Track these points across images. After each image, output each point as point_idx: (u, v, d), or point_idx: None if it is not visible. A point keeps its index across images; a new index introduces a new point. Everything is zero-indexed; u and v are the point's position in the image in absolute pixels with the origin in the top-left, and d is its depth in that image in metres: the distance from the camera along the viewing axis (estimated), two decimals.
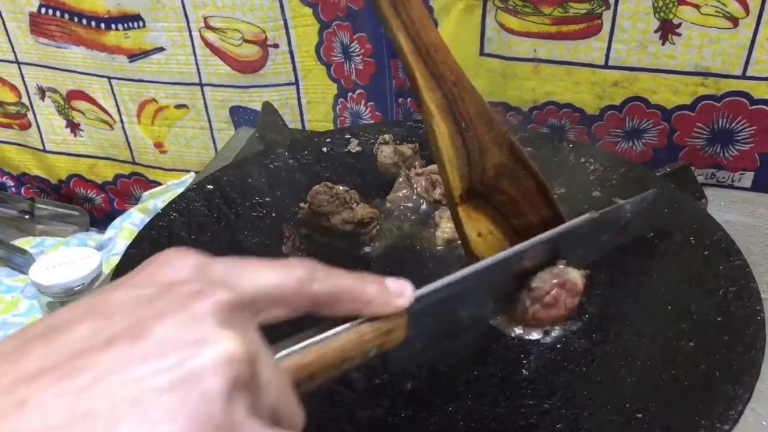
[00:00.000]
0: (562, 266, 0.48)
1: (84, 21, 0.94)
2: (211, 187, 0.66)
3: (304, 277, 0.29)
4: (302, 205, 0.63)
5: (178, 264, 0.27)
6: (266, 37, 0.88)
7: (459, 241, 0.58)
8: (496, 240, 0.50)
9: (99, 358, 0.22)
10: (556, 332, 0.49)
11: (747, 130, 0.74)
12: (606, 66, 0.76)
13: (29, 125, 1.10)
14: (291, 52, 0.89)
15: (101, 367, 0.22)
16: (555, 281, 0.47)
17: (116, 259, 0.84)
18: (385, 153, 0.69)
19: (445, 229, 0.60)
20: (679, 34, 0.72)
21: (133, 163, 1.08)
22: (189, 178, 0.99)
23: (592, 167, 0.66)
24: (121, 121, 1.03)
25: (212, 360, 0.22)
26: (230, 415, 0.22)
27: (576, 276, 0.49)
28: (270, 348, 0.28)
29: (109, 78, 0.99)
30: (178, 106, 0.99)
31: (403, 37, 0.45)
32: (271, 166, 0.70)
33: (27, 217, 1.10)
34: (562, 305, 0.48)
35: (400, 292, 0.33)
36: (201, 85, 0.95)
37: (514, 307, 0.48)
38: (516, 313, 0.48)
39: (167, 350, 0.22)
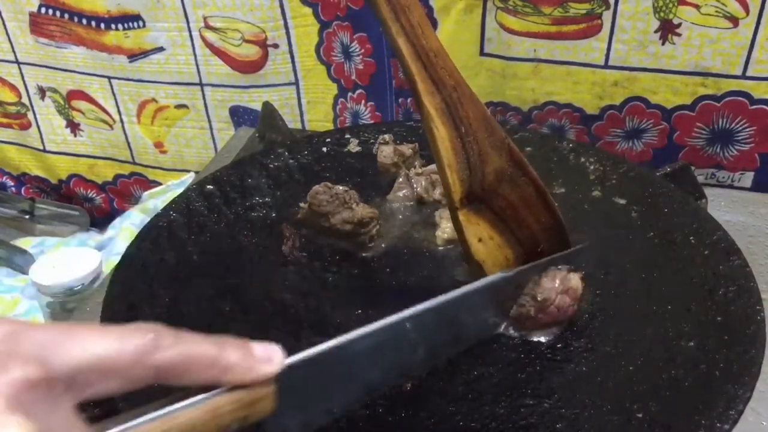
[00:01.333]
0: (564, 271, 0.48)
1: (84, 21, 0.94)
2: (211, 187, 0.66)
3: (145, 346, 0.26)
4: (302, 205, 0.63)
5: None
6: (266, 37, 0.88)
7: (459, 241, 0.58)
8: (497, 246, 0.50)
9: None
10: (556, 332, 0.49)
11: (747, 130, 0.74)
12: (606, 66, 0.76)
13: (29, 125, 1.10)
14: (291, 52, 0.89)
15: None
16: (560, 289, 0.47)
17: (116, 259, 0.84)
18: (385, 153, 0.69)
19: (445, 229, 0.60)
20: (679, 34, 0.72)
21: (133, 163, 1.08)
22: (189, 178, 0.99)
23: (591, 167, 0.66)
24: (121, 121, 1.03)
25: None
26: None
27: (578, 282, 0.49)
28: (94, 427, 0.25)
29: (109, 78, 0.99)
30: (178, 106, 0.99)
31: (402, 42, 0.45)
32: (271, 166, 0.70)
33: (27, 217, 1.10)
34: (564, 311, 0.48)
35: (266, 358, 0.30)
36: (201, 85, 0.95)
37: (516, 313, 0.48)
38: (518, 317, 0.48)
39: None
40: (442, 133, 0.46)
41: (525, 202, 0.50)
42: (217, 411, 0.28)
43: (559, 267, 0.49)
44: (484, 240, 0.49)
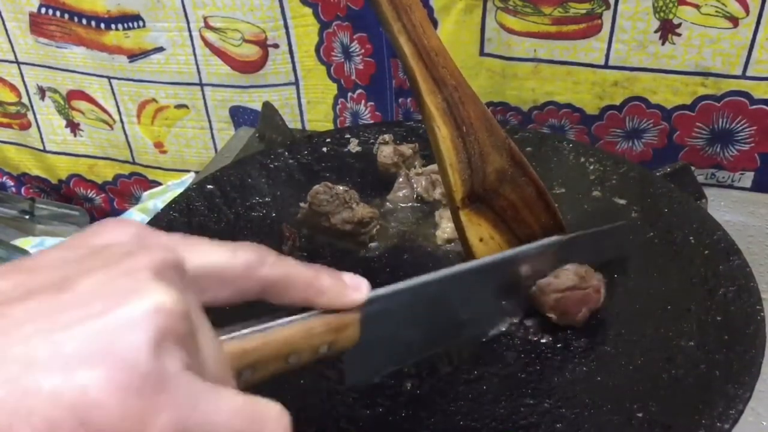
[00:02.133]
0: (586, 268, 0.48)
1: (84, 21, 0.94)
2: (211, 187, 0.66)
3: (253, 259, 0.28)
4: (302, 205, 0.63)
5: (117, 231, 0.26)
6: (266, 37, 0.88)
7: (459, 240, 0.58)
8: (498, 246, 0.50)
9: (14, 309, 0.21)
10: (555, 332, 0.50)
11: (747, 130, 0.74)
12: (606, 66, 0.76)
13: (29, 125, 1.10)
14: (291, 52, 0.89)
15: (16, 317, 0.20)
16: (595, 284, 0.48)
17: None
18: (385, 153, 0.69)
19: (446, 228, 0.60)
20: (679, 34, 0.72)
21: (133, 163, 1.08)
22: (189, 178, 0.99)
23: (591, 167, 0.67)
24: (121, 121, 1.03)
25: (142, 309, 0.21)
26: (161, 366, 0.21)
27: (601, 285, 0.49)
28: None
29: (109, 78, 0.99)
30: (178, 106, 0.99)
31: (404, 41, 0.45)
32: (271, 166, 0.70)
33: (27, 217, 1.10)
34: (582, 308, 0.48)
35: (355, 286, 0.32)
36: (201, 85, 0.95)
37: (548, 281, 0.47)
38: (548, 288, 0.47)
39: (93, 299, 0.21)
40: (443, 133, 0.46)
41: (526, 203, 0.50)
42: (309, 331, 0.31)
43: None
44: (485, 240, 0.49)
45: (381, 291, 0.35)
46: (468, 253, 0.49)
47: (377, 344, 0.35)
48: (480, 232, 0.49)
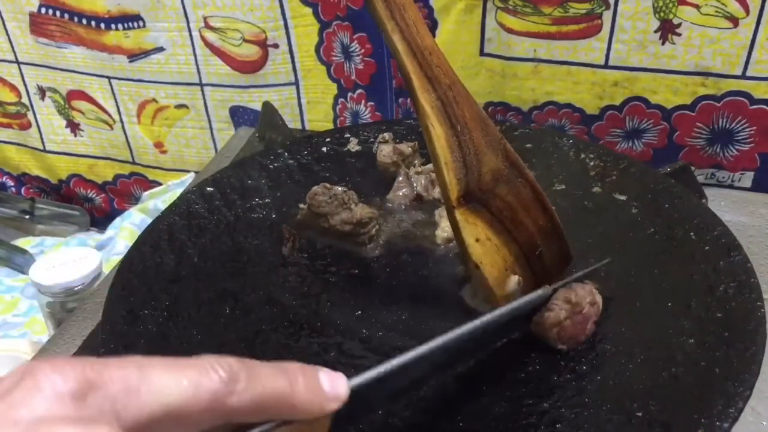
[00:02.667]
0: (589, 286, 0.48)
1: (84, 21, 0.94)
2: (210, 189, 0.66)
3: (220, 390, 0.25)
4: (301, 206, 0.63)
5: (48, 390, 0.22)
6: (266, 37, 0.88)
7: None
8: (495, 247, 0.49)
9: None
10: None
11: (747, 130, 0.74)
12: (606, 66, 0.76)
13: (29, 125, 1.10)
14: (291, 52, 0.89)
15: None
16: (589, 300, 0.47)
17: (116, 259, 0.84)
18: (385, 152, 0.69)
19: (445, 228, 0.60)
20: (679, 34, 0.72)
21: (133, 163, 1.08)
22: (189, 178, 0.99)
23: (591, 163, 0.66)
24: (121, 121, 1.03)
25: None
26: None
27: (600, 300, 0.48)
28: None
29: (109, 78, 0.99)
30: (178, 106, 0.99)
31: (398, 39, 0.45)
32: (271, 166, 0.70)
33: (27, 217, 1.10)
34: (585, 323, 0.48)
35: (334, 394, 0.29)
36: (201, 85, 0.95)
37: (543, 318, 0.47)
38: (543, 323, 0.47)
39: None
40: (438, 131, 0.46)
41: (522, 204, 0.50)
42: None
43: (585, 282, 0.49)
44: (481, 240, 0.48)
45: (359, 380, 0.31)
46: (464, 254, 0.49)
47: (354, 416, 0.33)
48: (476, 233, 0.48)
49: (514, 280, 0.49)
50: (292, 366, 0.28)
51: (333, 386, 0.29)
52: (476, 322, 0.40)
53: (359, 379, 0.31)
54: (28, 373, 0.22)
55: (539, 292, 0.46)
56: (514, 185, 0.49)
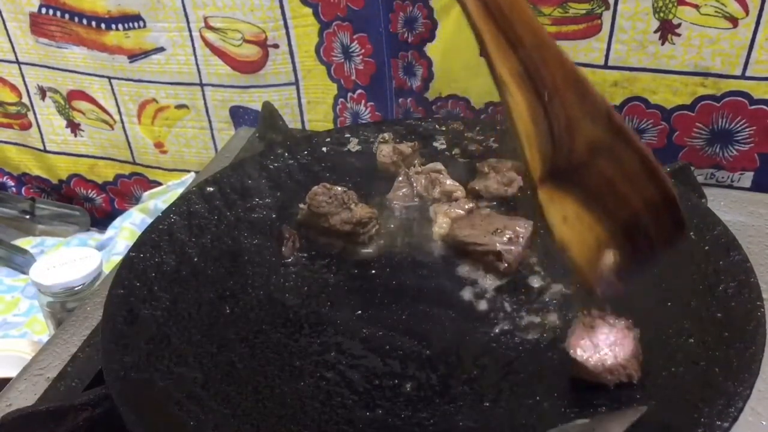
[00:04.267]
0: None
1: (84, 21, 0.94)
2: (211, 189, 0.66)
3: None
4: (301, 206, 0.63)
5: None
6: (266, 37, 0.88)
7: (457, 239, 0.58)
8: (586, 226, 0.43)
9: None
10: (556, 331, 0.50)
11: (746, 130, 0.74)
12: (606, 66, 0.76)
13: (30, 125, 1.10)
14: (291, 52, 0.89)
15: None
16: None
17: (117, 259, 0.84)
18: (385, 152, 0.69)
19: (441, 224, 0.60)
20: (678, 35, 0.72)
21: (134, 163, 1.08)
22: (189, 178, 0.99)
23: None
24: (122, 121, 1.03)
25: None
26: None
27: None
28: None
29: (109, 78, 0.99)
30: (179, 106, 0.99)
31: None
32: (271, 166, 0.70)
33: (27, 217, 1.10)
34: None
35: None
36: (201, 85, 0.95)
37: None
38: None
39: None
40: (518, 101, 0.40)
41: (626, 177, 0.42)
42: None
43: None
44: (569, 220, 0.43)
45: None
46: (551, 234, 0.43)
47: None
48: (563, 212, 0.42)
49: (609, 257, 0.43)
50: None
51: None
52: None
53: None
54: None
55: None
56: (616, 156, 0.42)
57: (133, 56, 0.95)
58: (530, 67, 0.40)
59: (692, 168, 0.70)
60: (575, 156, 0.41)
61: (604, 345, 0.44)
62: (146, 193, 1.03)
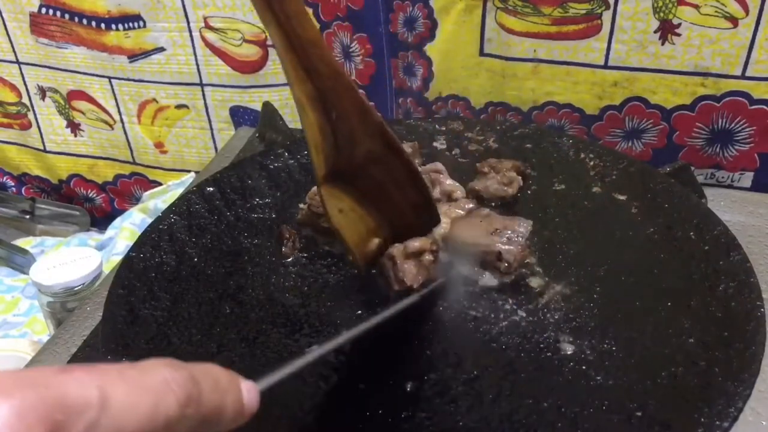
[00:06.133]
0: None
1: (84, 21, 0.94)
2: (211, 189, 0.66)
3: (174, 414, 0.24)
4: (301, 206, 0.63)
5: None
6: (266, 37, 0.88)
7: (457, 239, 0.58)
8: (358, 216, 0.53)
9: None
10: (556, 331, 0.50)
11: (746, 130, 0.75)
12: (606, 66, 0.76)
13: (30, 125, 1.10)
14: None
15: None
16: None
17: (117, 259, 0.84)
18: None
19: (441, 224, 0.60)
20: (678, 35, 0.72)
21: (134, 163, 1.08)
22: (189, 178, 0.99)
23: (591, 163, 0.67)
24: (122, 121, 1.03)
25: None
26: None
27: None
28: None
29: (109, 78, 0.99)
30: (179, 106, 0.99)
31: (274, 30, 0.45)
32: (271, 166, 0.70)
33: (27, 217, 1.10)
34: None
35: (250, 408, 0.29)
36: (201, 85, 0.95)
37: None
38: None
39: None
40: (311, 118, 0.48)
41: (394, 182, 0.53)
42: None
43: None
44: (344, 211, 0.52)
45: (266, 383, 0.31)
46: (328, 221, 0.52)
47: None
48: (340, 205, 0.52)
49: (374, 242, 0.54)
50: (221, 378, 0.28)
51: (250, 398, 0.29)
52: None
53: (266, 383, 0.31)
54: None
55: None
56: (387, 165, 0.52)
57: (133, 56, 0.95)
58: (324, 92, 0.48)
59: (692, 168, 0.70)
60: (354, 162, 0.51)
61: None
62: (146, 193, 1.03)
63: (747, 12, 0.68)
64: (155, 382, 0.25)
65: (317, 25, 0.48)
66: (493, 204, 0.64)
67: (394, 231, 0.54)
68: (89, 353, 0.57)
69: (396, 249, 0.53)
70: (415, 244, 0.53)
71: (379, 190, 0.53)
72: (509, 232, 0.57)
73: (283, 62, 0.47)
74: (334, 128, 0.49)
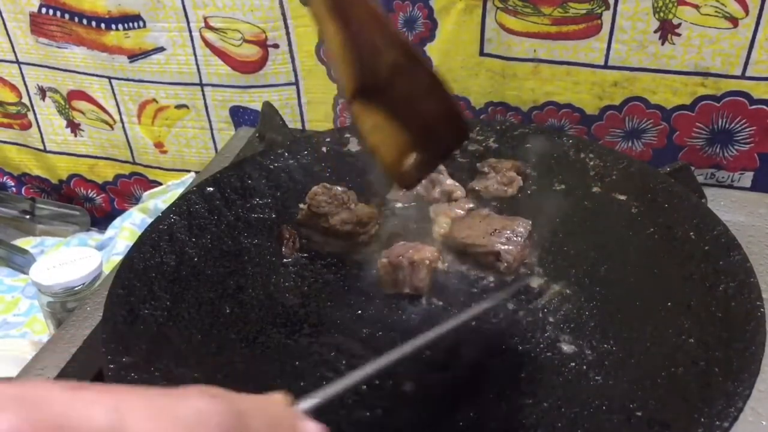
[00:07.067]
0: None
1: (84, 21, 0.94)
2: (211, 189, 0.66)
3: None
4: (301, 206, 0.63)
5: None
6: (266, 37, 0.88)
7: (457, 239, 0.58)
8: (391, 133, 0.52)
9: None
10: (556, 331, 0.50)
11: (746, 130, 0.75)
12: (606, 66, 0.76)
13: (30, 125, 1.10)
14: (291, 52, 0.89)
15: None
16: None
17: (116, 259, 0.84)
18: None
19: (442, 224, 0.60)
20: (678, 35, 0.72)
21: (134, 163, 1.08)
22: (189, 178, 0.99)
23: (591, 163, 0.67)
24: (122, 121, 1.03)
25: None
26: None
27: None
28: None
29: (109, 78, 0.99)
30: (179, 106, 0.99)
31: None
32: (271, 166, 0.70)
33: (27, 217, 1.10)
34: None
35: None
36: (201, 85, 0.95)
37: None
38: None
39: None
40: (331, 30, 0.48)
41: (420, 94, 0.52)
42: None
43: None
44: (377, 129, 0.52)
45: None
46: (363, 139, 0.53)
47: None
48: (372, 121, 0.51)
49: (410, 159, 0.53)
50: (278, 415, 0.24)
51: None
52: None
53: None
54: None
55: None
56: (412, 76, 0.51)
57: (133, 56, 0.95)
58: (340, 6, 0.48)
59: (692, 168, 0.70)
60: (380, 76, 0.50)
61: None
62: (146, 193, 1.03)
63: (747, 12, 0.68)
64: (187, 414, 0.20)
65: None
66: (493, 204, 0.64)
67: (426, 146, 0.53)
68: (89, 353, 0.57)
69: (407, 256, 0.53)
70: (426, 254, 0.54)
71: (407, 103, 0.52)
72: (509, 232, 0.57)
73: None
74: (355, 40, 0.49)
